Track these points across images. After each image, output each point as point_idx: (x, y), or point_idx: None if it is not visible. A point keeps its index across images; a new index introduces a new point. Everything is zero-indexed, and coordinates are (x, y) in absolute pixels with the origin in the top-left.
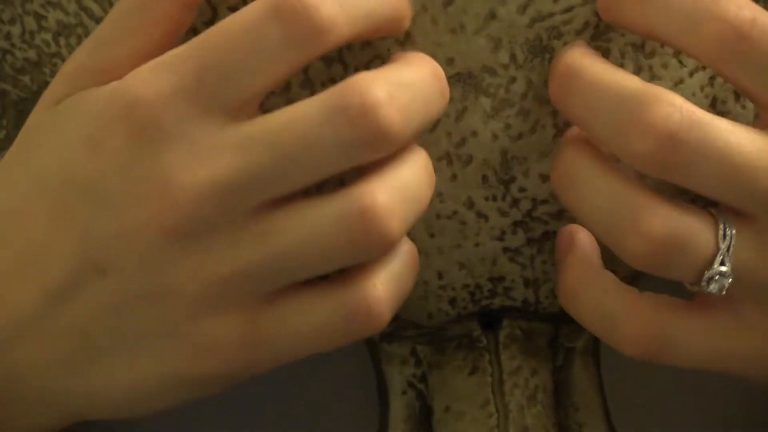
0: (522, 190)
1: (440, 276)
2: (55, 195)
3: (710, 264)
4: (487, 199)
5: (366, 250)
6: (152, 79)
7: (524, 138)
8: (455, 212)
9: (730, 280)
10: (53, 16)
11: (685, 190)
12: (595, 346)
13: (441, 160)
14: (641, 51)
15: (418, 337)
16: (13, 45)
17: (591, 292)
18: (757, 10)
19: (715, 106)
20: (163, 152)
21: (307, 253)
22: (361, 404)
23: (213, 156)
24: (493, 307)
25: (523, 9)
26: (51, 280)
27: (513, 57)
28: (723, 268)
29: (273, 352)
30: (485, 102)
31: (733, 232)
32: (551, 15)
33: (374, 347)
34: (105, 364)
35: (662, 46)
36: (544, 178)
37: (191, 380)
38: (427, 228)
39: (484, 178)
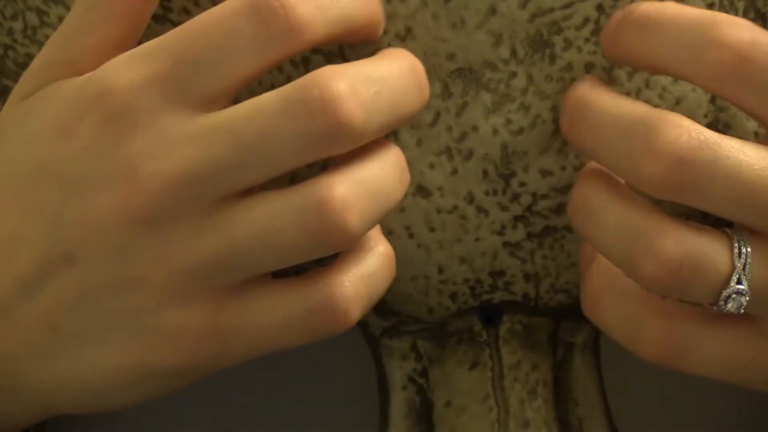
0: (522, 184)
1: (441, 270)
2: (27, 184)
3: (727, 283)
4: (487, 193)
5: (322, 244)
6: (125, 69)
7: (525, 133)
8: (455, 207)
9: (748, 298)
10: (55, 12)
11: (699, 211)
12: (595, 341)
13: (441, 155)
14: None
15: (419, 332)
16: (15, 41)
17: (614, 298)
18: (756, 31)
19: (714, 102)
20: (132, 140)
21: (266, 245)
22: (361, 399)
23: (178, 146)
24: (494, 301)
25: (523, 4)
26: (20, 269)
27: (513, 52)
28: (740, 287)
29: (238, 345)
30: (486, 97)
31: (748, 250)
32: (551, 10)
33: (375, 342)
34: (73, 356)
35: None
36: (545, 172)
37: (157, 372)
38: (427, 223)
39: (485, 172)
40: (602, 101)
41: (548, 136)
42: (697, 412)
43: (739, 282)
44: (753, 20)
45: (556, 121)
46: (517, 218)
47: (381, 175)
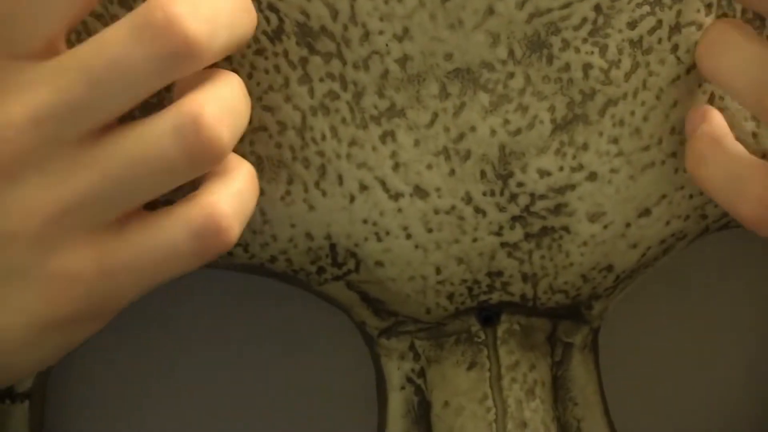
0: (520, 185)
1: (438, 271)
2: None
3: None
4: (485, 194)
5: (201, 160)
6: None
7: (522, 133)
8: (453, 207)
9: None
10: None
11: None
12: (593, 341)
13: (439, 155)
14: (638, 47)
15: (417, 333)
16: None
17: (720, 156)
18: None
19: (713, 102)
20: None
21: (143, 172)
22: (359, 399)
23: (26, 90)
24: (492, 302)
25: (521, 5)
26: None
27: (511, 52)
28: None
29: (129, 281)
30: (483, 97)
31: None
32: (549, 11)
33: (372, 342)
34: None
35: (659, 42)
36: (542, 173)
37: (56, 322)
38: (425, 223)
39: (483, 173)
40: (748, 35)
41: (546, 137)
42: (697, 412)
43: None
44: (751, 21)
45: (553, 121)
46: (514, 219)
47: (233, 94)
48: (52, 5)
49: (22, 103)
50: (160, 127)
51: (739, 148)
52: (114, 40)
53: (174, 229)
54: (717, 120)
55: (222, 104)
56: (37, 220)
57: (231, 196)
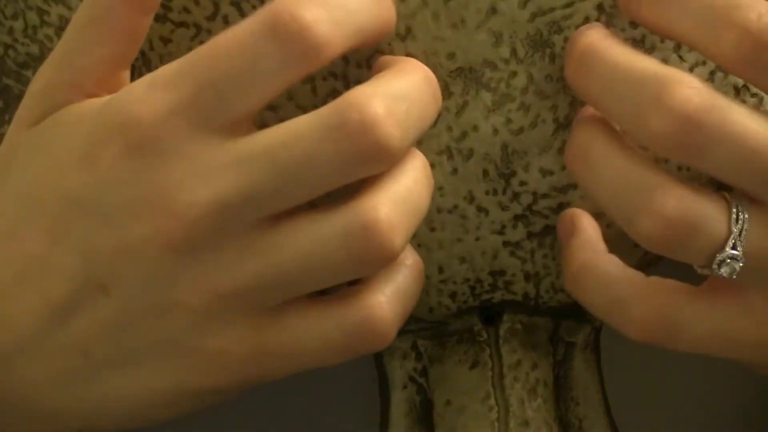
0: (522, 184)
1: (441, 270)
2: (52, 212)
3: (722, 247)
4: (487, 193)
5: (369, 266)
6: (147, 97)
7: (525, 132)
8: (456, 206)
9: (741, 264)
10: (55, 11)
11: (700, 175)
12: (595, 340)
13: (442, 154)
14: (641, 46)
15: (419, 332)
16: (15, 40)
17: (597, 276)
18: None
19: None
20: (162, 170)
21: (309, 268)
22: (362, 398)
23: (213, 173)
24: (494, 301)
25: (524, 4)
26: (53, 297)
27: (514, 51)
28: (735, 252)
29: (278, 365)
30: (486, 96)
31: (746, 216)
32: (552, 10)
33: None
34: (106, 380)
35: (662, 41)
36: (545, 172)
37: (196, 392)
38: (427, 222)
39: (485, 172)
40: (614, 52)
41: (548, 136)
42: (698, 411)
43: (734, 247)
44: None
45: (556, 120)
46: (517, 218)
47: (415, 188)
48: (261, 83)
49: (209, 186)
50: (331, 227)
51: (615, 264)
52: (305, 134)
53: (330, 324)
54: (588, 229)
55: (401, 206)
56: (204, 298)
57: (395, 296)
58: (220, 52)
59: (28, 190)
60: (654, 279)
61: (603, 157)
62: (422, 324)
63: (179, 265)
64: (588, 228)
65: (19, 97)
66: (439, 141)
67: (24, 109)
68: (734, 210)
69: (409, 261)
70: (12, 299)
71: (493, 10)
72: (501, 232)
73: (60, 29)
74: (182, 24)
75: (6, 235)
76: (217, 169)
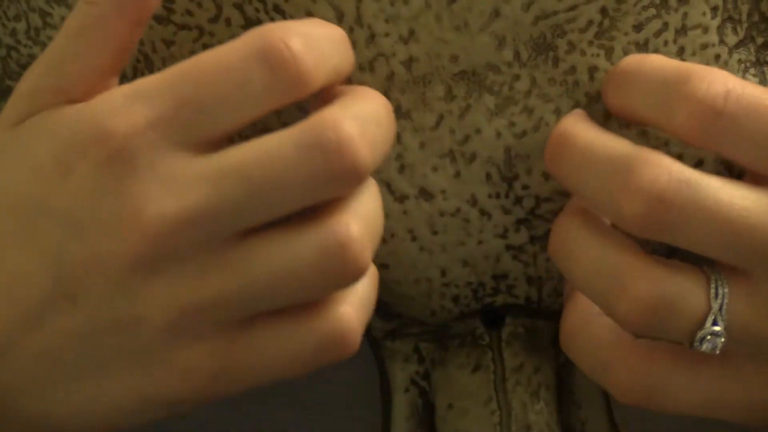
0: (525, 187)
1: (443, 273)
2: (26, 220)
3: (702, 324)
4: (490, 196)
5: (341, 282)
6: (125, 110)
7: (528, 136)
8: (458, 209)
9: (723, 339)
10: (58, 13)
11: (679, 249)
12: None
13: (444, 158)
14: (644, 50)
15: (421, 335)
16: (18, 42)
17: (587, 339)
18: (730, 82)
19: None
20: (134, 183)
21: (279, 284)
22: (363, 401)
23: (183, 188)
24: (496, 304)
25: (527, 7)
26: (22, 306)
27: (517, 55)
28: (716, 328)
29: (246, 378)
30: (489, 100)
31: (726, 291)
32: (555, 13)
33: (377, 345)
34: (75, 388)
35: (665, 44)
36: (547, 176)
37: (164, 402)
38: (430, 225)
39: (488, 175)
40: (585, 136)
41: None
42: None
43: (714, 323)
44: (756, 23)
45: None
46: (520, 221)
47: (375, 206)
48: (244, 106)
49: (178, 200)
50: (304, 244)
51: (605, 328)
52: (279, 153)
53: (300, 337)
54: (582, 299)
55: (367, 222)
56: (170, 312)
57: (360, 304)
58: (207, 71)
59: (5, 196)
60: (642, 342)
61: (578, 245)
62: (424, 327)
63: (144, 280)
64: (583, 298)
65: None
66: (442, 144)
67: (9, 108)
68: (713, 285)
69: (370, 273)
70: None
71: (497, 13)
72: (504, 236)
73: None
74: (185, 26)
75: None
76: (188, 183)
